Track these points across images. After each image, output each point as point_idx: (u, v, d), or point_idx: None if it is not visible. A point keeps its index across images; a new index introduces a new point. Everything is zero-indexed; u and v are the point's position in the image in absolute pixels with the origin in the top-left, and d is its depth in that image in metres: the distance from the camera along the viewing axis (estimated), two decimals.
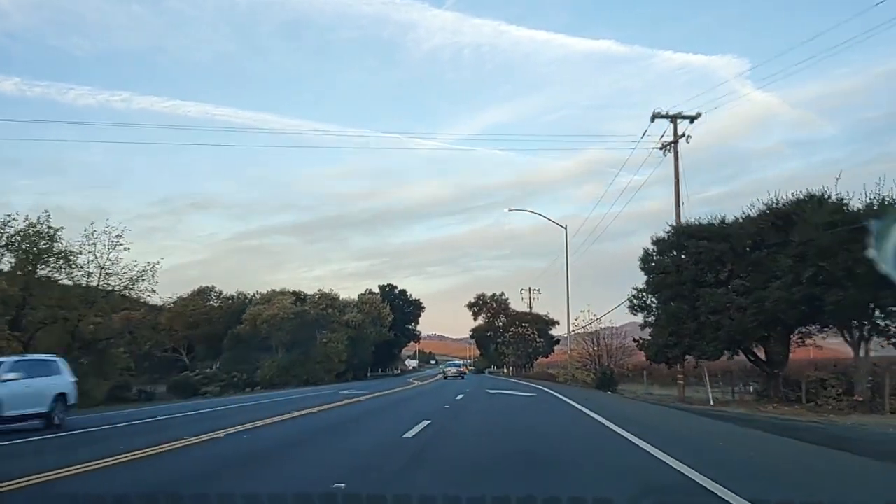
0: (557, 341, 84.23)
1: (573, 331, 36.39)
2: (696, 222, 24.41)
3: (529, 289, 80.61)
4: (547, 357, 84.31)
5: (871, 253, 0.79)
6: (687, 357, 24.37)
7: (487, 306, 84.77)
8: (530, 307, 79.79)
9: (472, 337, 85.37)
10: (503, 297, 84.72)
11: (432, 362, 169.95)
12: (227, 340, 59.53)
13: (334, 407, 19.92)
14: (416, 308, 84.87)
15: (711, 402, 22.70)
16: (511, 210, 44.95)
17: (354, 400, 23.77)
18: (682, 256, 23.85)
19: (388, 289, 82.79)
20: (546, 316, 79.92)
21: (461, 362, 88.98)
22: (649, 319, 25.37)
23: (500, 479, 6.73)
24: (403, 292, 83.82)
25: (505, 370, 77.00)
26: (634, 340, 25.90)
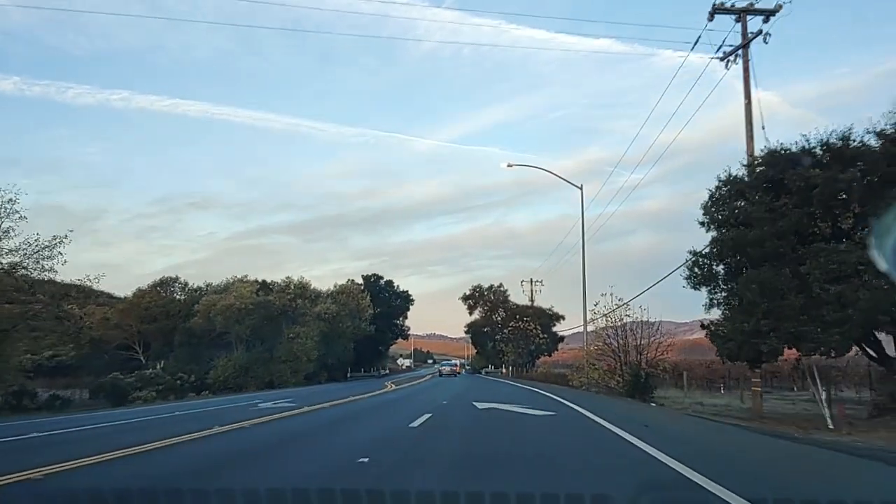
0: (562, 338, 75.75)
1: (593, 319, 27.84)
2: (795, 147, 15.75)
3: (531, 280, 72.23)
4: (550, 356, 75.94)
5: (871, 252, 0.43)
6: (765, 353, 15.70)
7: (484, 299, 76.19)
8: (532, 300, 71.36)
9: (467, 332, 76.89)
10: (502, 289, 76.28)
11: (429, 361, 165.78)
12: (178, 336, 51.01)
13: (203, 436, 11.33)
14: (404, 301, 76.24)
15: (830, 424, 14.13)
16: (510, 165, 34.57)
17: (256, 421, 15.16)
18: (777, 200, 15.29)
19: (372, 279, 74.14)
20: (550, 310, 71.44)
21: (455, 362, 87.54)
22: (716, 296, 16.86)
23: None
24: (390, 283, 75.23)
25: (504, 370, 68.38)
26: (703, 327, 17.27)
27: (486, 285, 77.21)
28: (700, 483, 5.83)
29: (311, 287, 55.20)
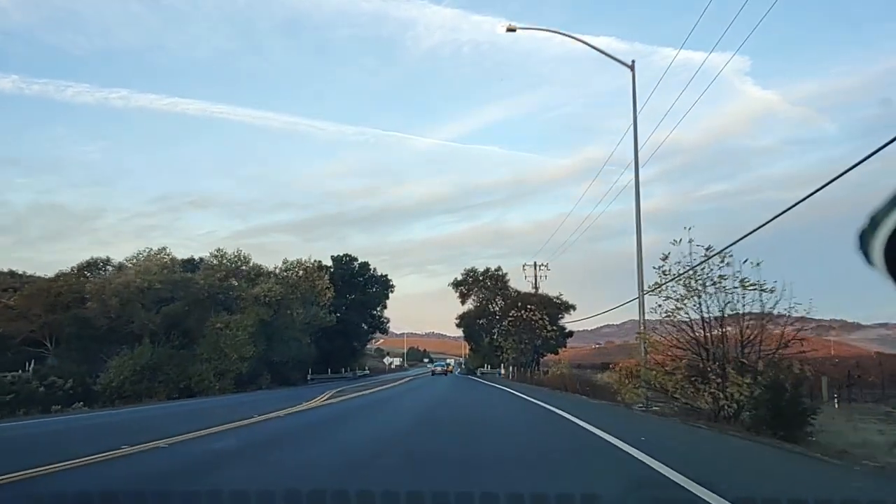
0: (570, 333, 63.05)
1: (659, 286, 14.94)
2: None
3: (535, 264, 59.57)
4: (557, 353, 63.39)
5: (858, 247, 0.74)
6: None
7: (479, 285, 63.50)
8: (535, 287, 58.67)
9: (458, 325, 64.46)
10: (500, 273, 63.55)
11: (425, 360, 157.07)
12: (68, 326, 38.36)
13: None
14: (382, 288, 63.48)
15: None
16: (511, 30, 21.01)
17: None
18: None
19: (343, 260, 61.43)
20: (558, 298, 58.65)
21: (450, 361, 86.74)
22: None
23: None
24: (365, 266, 62.37)
25: (503, 371, 55.58)
26: None
27: (481, 269, 64.65)
28: None
29: (252, 263, 42.33)
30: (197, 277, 39.03)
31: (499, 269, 63.69)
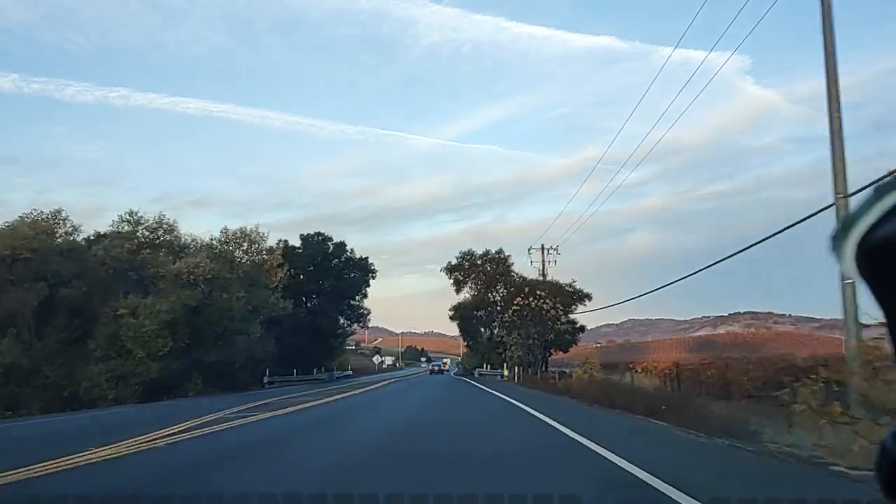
0: (582, 328, 53.15)
1: None
2: None
3: (543, 247, 49.71)
4: (567, 351, 53.63)
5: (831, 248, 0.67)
6: None
7: (478, 270, 53.48)
8: (543, 275, 48.84)
9: (452, 318, 54.39)
10: (502, 256, 53.47)
11: (423, 359, 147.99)
12: None
13: None
14: (363, 273, 53.30)
15: None
16: None
17: None
18: None
19: (315, 240, 51.36)
20: (571, 285, 48.81)
21: (446, 360, 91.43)
22: None
23: None
24: (341, 247, 52.21)
25: (505, 372, 45.37)
26: None
27: (478, 251, 54.57)
28: None
29: (178, 233, 32.19)
30: (96, 249, 28.97)
31: (500, 251, 53.76)
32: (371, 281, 53.47)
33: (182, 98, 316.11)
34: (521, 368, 40.71)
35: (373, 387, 37.60)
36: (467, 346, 60.34)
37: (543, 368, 44.32)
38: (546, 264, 49.51)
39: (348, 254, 52.15)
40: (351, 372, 68.03)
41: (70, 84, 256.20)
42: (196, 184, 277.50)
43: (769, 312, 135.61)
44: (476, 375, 56.40)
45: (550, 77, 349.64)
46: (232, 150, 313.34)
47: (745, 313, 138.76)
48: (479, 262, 54.06)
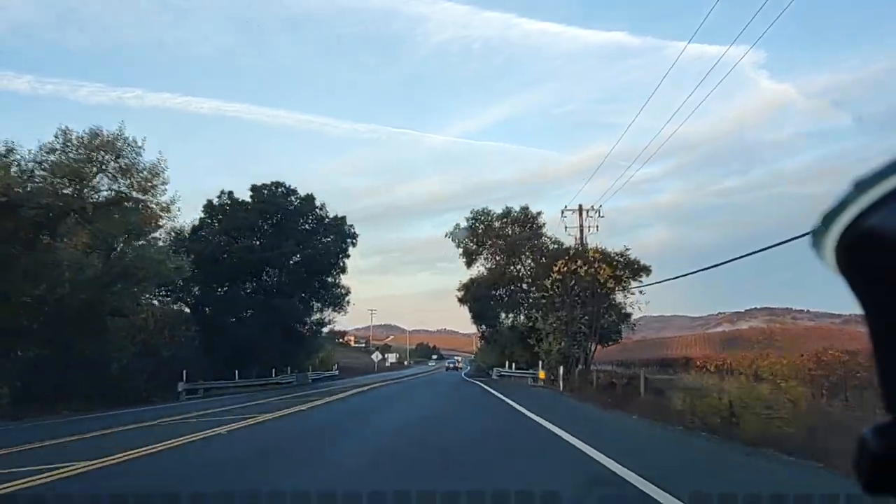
0: (628, 316, 39.05)
1: None
2: None
3: (580, 208, 35.86)
4: (608, 345, 40.10)
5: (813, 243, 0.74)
6: None
7: (495, 235, 39.41)
8: (581, 241, 34.82)
9: (462, 300, 40.29)
10: (530, 215, 39.26)
11: (434, 357, 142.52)
12: None
13: None
14: (340, 239, 39.08)
15: None
16: None
17: None
18: None
19: (272, 190, 37.40)
20: (624, 254, 34.39)
21: (457, 359, 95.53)
22: None
23: None
24: (308, 203, 38.03)
25: (541, 373, 30.44)
26: None
27: (497, 210, 40.40)
28: None
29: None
30: None
31: (526, 208, 39.59)
32: (350, 249, 39.41)
33: (195, 98, 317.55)
34: (565, 368, 26.57)
35: (349, 393, 23.97)
36: (482, 337, 46.28)
37: (585, 366, 30.28)
38: (585, 230, 35.46)
39: (319, 211, 38.14)
40: (336, 372, 54.27)
41: (84, 84, 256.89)
42: (209, 183, 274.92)
43: (787, 308, 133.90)
44: (494, 376, 42.36)
45: (561, 73, 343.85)
46: (244, 149, 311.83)
47: (761, 309, 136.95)
48: (497, 224, 40.02)
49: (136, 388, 24.28)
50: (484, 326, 41.24)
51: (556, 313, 28.79)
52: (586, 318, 30.15)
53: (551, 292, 28.11)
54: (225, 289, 33.62)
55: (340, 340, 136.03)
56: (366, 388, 32.38)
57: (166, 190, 20.01)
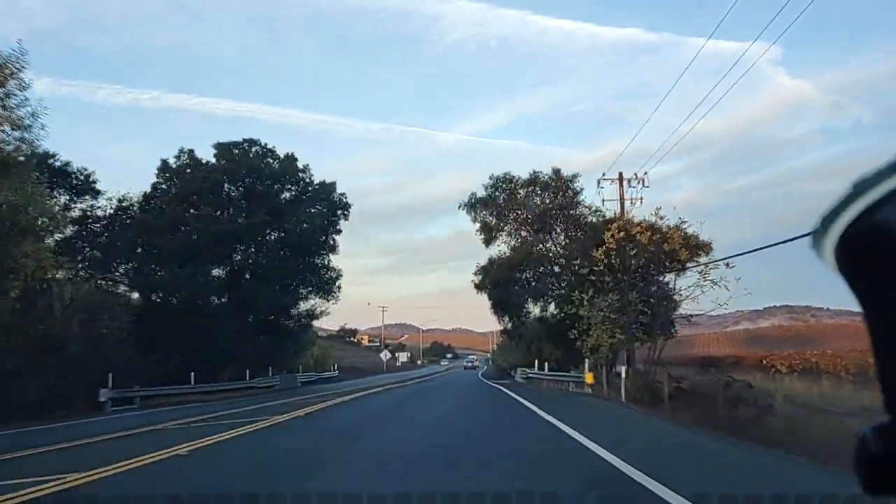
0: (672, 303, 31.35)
1: None
2: None
3: (620, 177, 28.70)
4: (666, 338, 32.29)
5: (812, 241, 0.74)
6: None
7: (520, 205, 32.02)
8: (622, 212, 27.52)
9: (479, 286, 32.94)
10: (562, 179, 31.72)
11: (448, 356, 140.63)
12: None
13: None
14: (329, 208, 31.80)
15: None
16: None
17: None
18: None
19: (243, 149, 30.25)
20: (679, 227, 26.50)
21: (473, 358, 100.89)
22: None
23: None
24: (289, 164, 30.78)
25: (588, 377, 22.71)
26: None
27: (522, 176, 32.94)
28: None
29: None
30: None
31: (558, 171, 32.06)
32: (341, 224, 32.11)
33: (209, 98, 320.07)
34: (630, 371, 19.03)
35: (319, 406, 16.92)
36: (504, 332, 38.64)
37: (652, 369, 22.76)
38: (627, 203, 28.05)
39: (302, 175, 30.89)
40: (336, 373, 47.21)
41: (102, 86, 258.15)
42: None
43: (807, 306, 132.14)
44: (518, 378, 35.07)
45: (576, 71, 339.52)
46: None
47: (781, 307, 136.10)
48: (521, 192, 32.58)
49: (25, 396, 17.27)
50: (507, 317, 33.81)
51: (608, 295, 21.38)
52: (642, 303, 22.85)
53: (606, 264, 20.72)
54: (178, 269, 26.54)
55: (352, 339, 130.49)
56: (360, 394, 25.27)
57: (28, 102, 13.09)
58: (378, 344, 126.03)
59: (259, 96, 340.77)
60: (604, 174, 30.62)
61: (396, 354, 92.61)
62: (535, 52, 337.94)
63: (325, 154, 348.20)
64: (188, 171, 28.89)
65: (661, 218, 22.36)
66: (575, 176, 31.62)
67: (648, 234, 21.00)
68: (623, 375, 18.17)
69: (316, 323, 38.63)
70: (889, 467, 0.70)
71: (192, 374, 25.25)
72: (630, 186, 29.92)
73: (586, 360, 22.07)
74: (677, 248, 20.69)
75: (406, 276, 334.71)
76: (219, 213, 27.93)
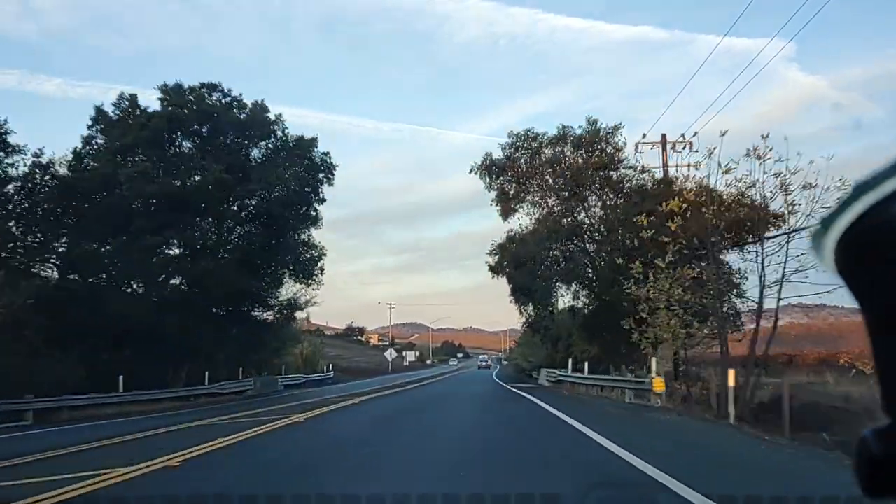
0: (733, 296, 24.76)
1: None
2: None
3: (663, 139, 22.07)
4: (719, 339, 25.37)
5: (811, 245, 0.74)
6: None
7: (545, 168, 25.76)
8: (667, 175, 20.87)
9: (494, 268, 26.61)
10: (600, 133, 25.38)
11: (459, 355, 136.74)
12: None
13: None
14: (309, 171, 25.67)
15: None
16: None
17: None
18: None
19: (199, 95, 24.11)
20: (744, 194, 19.80)
21: (486, 357, 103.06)
22: None
23: None
24: (259, 113, 24.79)
25: (657, 384, 16.29)
26: None
27: (549, 133, 26.59)
28: None
29: None
30: None
31: (595, 122, 25.61)
32: (324, 191, 25.81)
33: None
34: (732, 377, 12.71)
35: (283, 422, 10.94)
36: (527, 324, 31.80)
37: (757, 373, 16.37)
38: (668, 168, 21.73)
39: (274, 128, 24.65)
40: (330, 374, 41.15)
41: (114, 87, 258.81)
42: None
43: (821, 305, 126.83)
44: (543, 381, 28.75)
45: (587, 69, 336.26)
46: None
47: (794, 305, 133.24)
48: (545, 148, 26.21)
49: None
50: (531, 306, 27.35)
51: (683, 268, 15.07)
52: (724, 280, 16.70)
53: (680, 224, 14.37)
54: (107, 243, 20.48)
55: (358, 338, 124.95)
56: (348, 402, 19.13)
57: None
58: (388, 343, 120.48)
59: (270, 97, 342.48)
60: (644, 135, 24.38)
61: (404, 353, 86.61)
62: (546, 51, 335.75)
63: (338, 155, 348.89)
64: (130, 120, 22.81)
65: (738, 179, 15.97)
66: (616, 128, 25.20)
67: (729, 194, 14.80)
68: (730, 383, 11.84)
69: (321, 322, 32.88)
70: (889, 470, 0.69)
71: (121, 377, 19.11)
72: (675, 151, 23.79)
73: (653, 359, 15.67)
74: (759, 219, 14.42)
75: (418, 275, 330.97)
76: (162, 170, 21.84)
